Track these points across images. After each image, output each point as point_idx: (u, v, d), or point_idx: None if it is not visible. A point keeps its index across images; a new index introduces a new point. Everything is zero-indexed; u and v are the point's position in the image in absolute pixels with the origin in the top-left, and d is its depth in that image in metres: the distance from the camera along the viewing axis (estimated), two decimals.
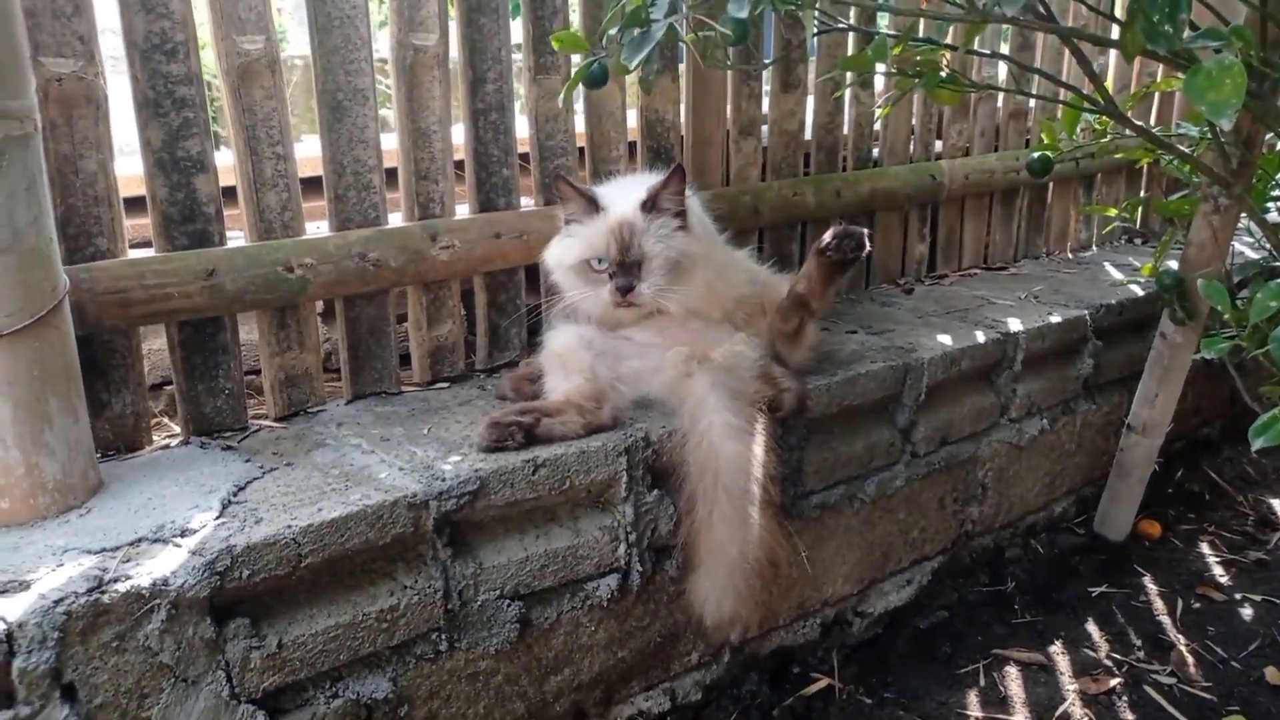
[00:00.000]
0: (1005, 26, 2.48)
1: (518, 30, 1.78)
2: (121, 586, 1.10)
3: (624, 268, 1.55)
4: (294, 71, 4.32)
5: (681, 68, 2.01)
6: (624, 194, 1.60)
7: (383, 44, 1.70)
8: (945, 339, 2.01)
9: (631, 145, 2.01)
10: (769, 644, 1.82)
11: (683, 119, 2.03)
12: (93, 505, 1.29)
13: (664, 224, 1.55)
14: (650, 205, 1.55)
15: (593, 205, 1.58)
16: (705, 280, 1.61)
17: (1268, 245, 1.98)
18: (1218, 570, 2.24)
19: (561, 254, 1.62)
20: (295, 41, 6.28)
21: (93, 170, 1.40)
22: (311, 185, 1.69)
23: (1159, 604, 2.10)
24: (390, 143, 1.69)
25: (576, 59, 1.59)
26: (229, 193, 1.55)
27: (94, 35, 1.37)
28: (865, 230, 1.62)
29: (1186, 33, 1.28)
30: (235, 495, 1.31)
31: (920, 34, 1.73)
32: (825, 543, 1.84)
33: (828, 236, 1.62)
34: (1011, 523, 2.26)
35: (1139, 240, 3.08)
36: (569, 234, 1.62)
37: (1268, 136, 1.90)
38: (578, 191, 1.59)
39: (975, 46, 1.82)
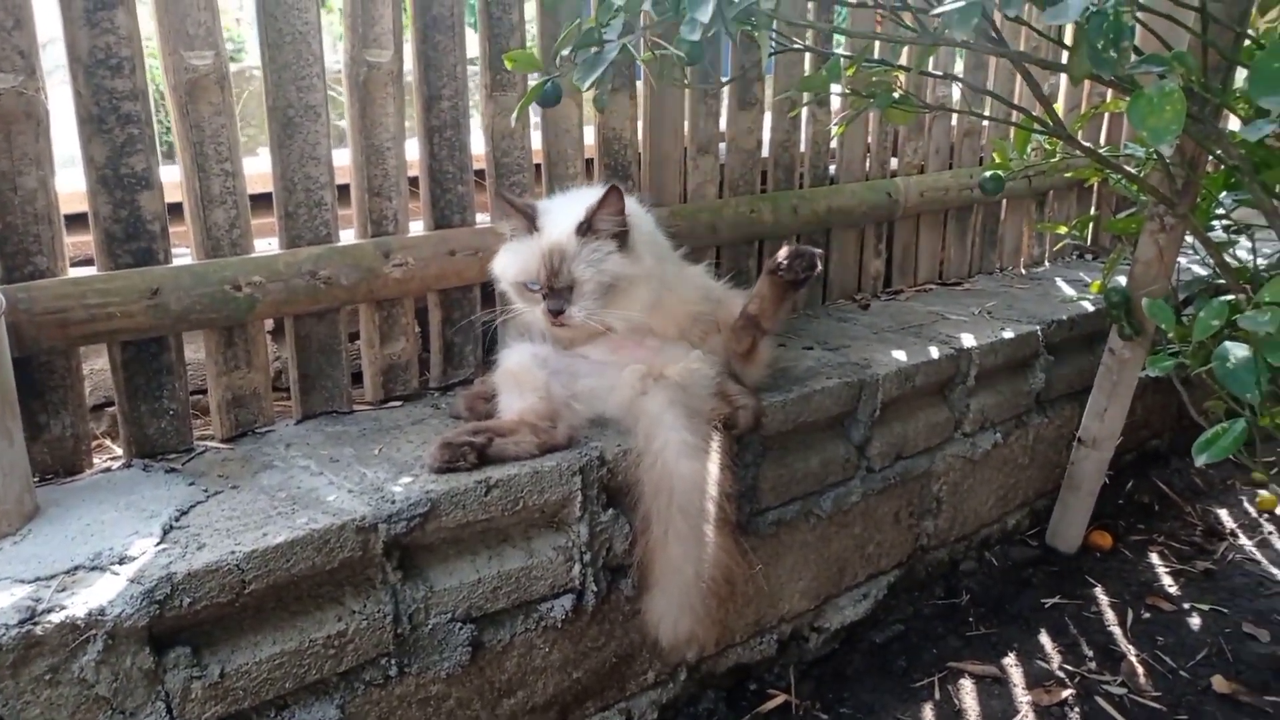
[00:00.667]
0: (959, 48, 2.52)
1: (474, 46, 1.77)
2: (55, 617, 1.07)
3: (555, 291, 1.54)
4: (252, 81, 4.26)
5: (639, 85, 2.01)
6: (566, 211, 1.58)
7: (337, 59, 1.68)
8: (900, 355, 2.03)
9: (589, 162, 2.00)
10: (726, 661, 1.81)
11: (640, 136, 2.03)
12: (28, 532, 1.25)
13: (598, 247, 1.53)
14: (585, 229, 1.53)
15: (530, 223, 1.57)
16: (647, 300, 1.59)
17: (1212, 262, 2.03)
18: (1167, 580, 2.28)
19: (503, 269, 1.62)
20: (253, 53, 6.20)
21: (32, 187, 1.37)
22: (262, 201, 1.66)
23: (1110, 615, 2.14)
24: (343, 159, 1.67)
25: (533, 77, 1.58)
26: (175, 209, 1.52)
27: (35, 50, 1.34)
28: (818, 250, 1.63)
29: (1132, 58, 1.30)
30: (177, 520, 1.28)
31: (875, 55, 1.75)
32: (782, 559, 1.85)
33: (780, 256, 1.62)
34: (966, 536, 2.29)
35: (1090, 256, 3.14)
36: (510, 249, 1.61)
37: (1211, 157, 1.95)
38: (515, 208, 1.58)
39: (929, 68, 1.85)
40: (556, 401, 1.56)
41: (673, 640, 1.47)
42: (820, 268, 1.64)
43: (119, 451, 1.56)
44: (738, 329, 1.66)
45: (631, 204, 1.66)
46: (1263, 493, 2.65)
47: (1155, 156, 1.90)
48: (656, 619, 1.47)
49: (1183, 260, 2.46)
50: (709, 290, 1.76)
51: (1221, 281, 2.12)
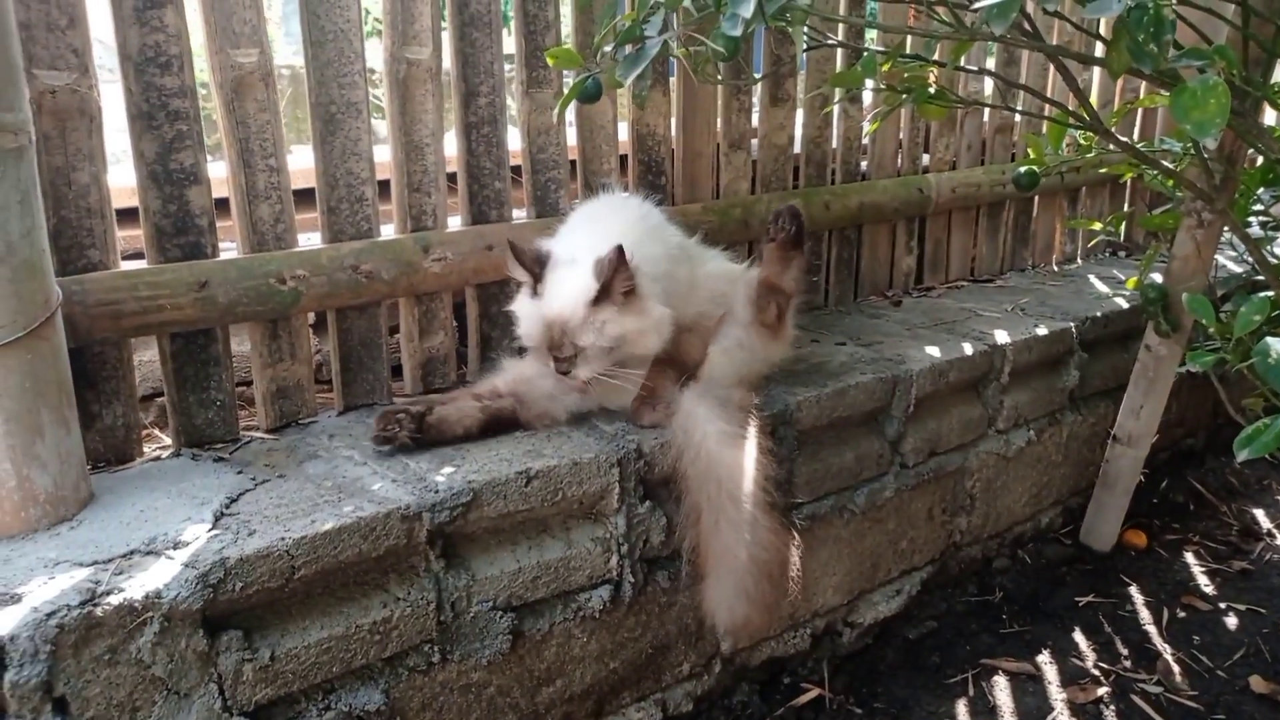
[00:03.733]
0: (991, 43, 2.52)
1: (510, 43, 1.80)
2: (114, 599, 1.10)
3: (559, 358, 1.53)
4: (280, 79, 4.31)
5: (673, 81, 2.02)
6: (570, 270, 1.51)
7: (376, 56, 1.70)
8: (933, 351, 2.03)
9: (623, 158, 2.02)
10: (760, 655, 1.82)
11: (673, 132, 2.05)
12: (84, 517, 1.28)
13: (604, 315, 1.49)
14: (600, 298, 1.48)
15: (535, 282, 1.53)
16: (656, 345, 1.56)
17: (1250, 259, 2.01)
18: (1203, 580, 2.26)
19: (518, 323, 1.59)
20: (282, 50, 6.26)
21: (85, 182, 1.40)
22: (303, 196, 1.69)
23: (1145, 614, 2.12)
24: (383, 155, 1.69)
25: (569, 74, 1.60)
26: (221, 204, 1.55)
27: (88, 48, 1.37)
28: (795, 204, 1.70)
29: (1171, 52, 1.30)
30: (228, 507, 1.31)
31: (908, 50, 1.75)
32: (815, 554, 1.85)
33: (768, 223, 1.71)
34: (999, 533, 2.28)
35: (1123, 253, 3.12)
36: (521, 306, 1.57)
37: (1249, 151, 1.94)
38: (523, 265, 1.53)
39: (963, 63, 1.85)
40: (523, 387, 1.59)
41: (729, 626, 1.49)
42: (804, 216, 1.69)
43: (167, 441, 1.60)
44: (760, 300, 1.67)
45: (635, 209, 1.66)
46: None
47: (1192, 151, 1.89)
48: (713, 606, 1.48)
49: (1218, 257, 2.44)
50: (714, 292, 1.73)
51: (1260, 278, 2.11)
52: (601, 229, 1.58)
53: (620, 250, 1.45)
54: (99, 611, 1.09)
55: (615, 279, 1.47)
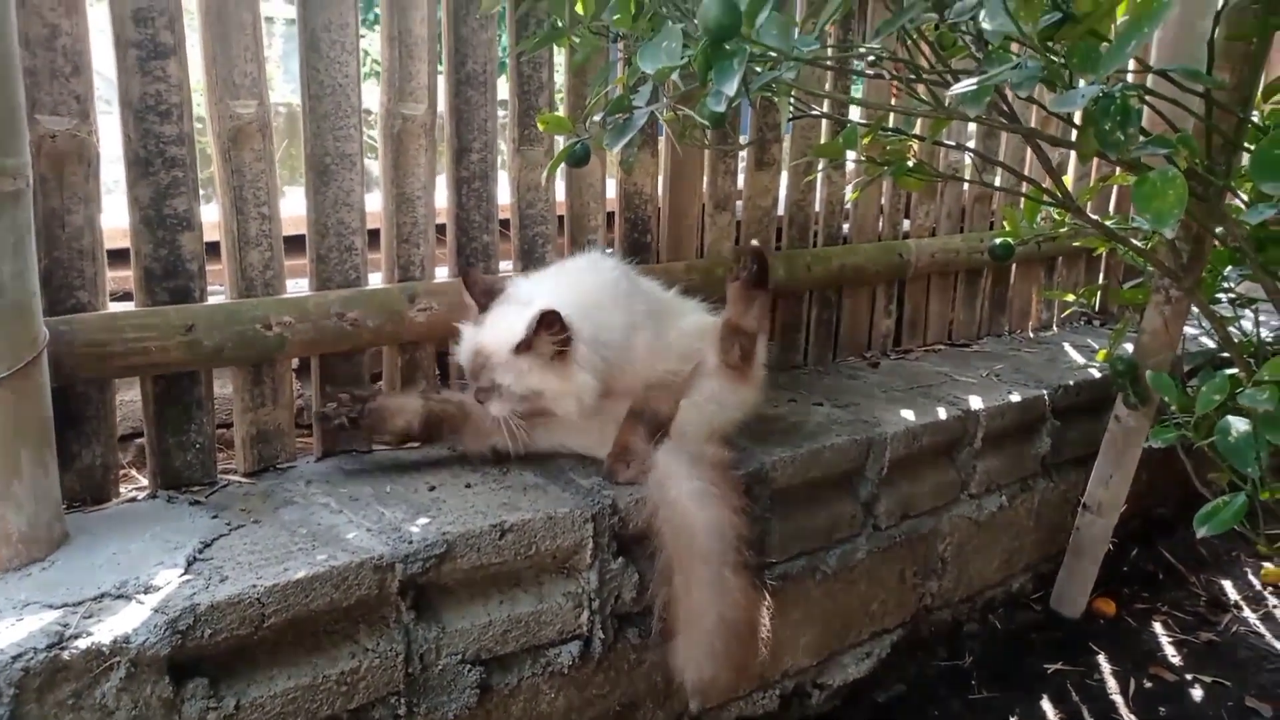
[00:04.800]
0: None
1: (504, 89, 1.84)
2: (82, 643, 1.10)
3: (480, 387, 1.56)
4: (277, 118, 4.35)
5: (661, 142, 2.08)
6: (512, 310, 1.55)
7: (372, 97, 1.75)
8: (908, 414, 2.06)
9: (610, 215, 2.06)
10: (728, 715, 1.82)
11: (660, 192, 2.09)
12: (57, 559, 1.28)
13: (528, 363, 1.51)
14: (523, 348, 1.51)
15: (478, 311, 1.59)
16: (575, 411, 1.56)
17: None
18: (1170, 650, 2.28)
19: (460, 338, 1.62)
20: (280, 89, 6.34)
21: (79, 225, 1.43)
22: (292, 243, 1.71)
23: (1112, 683, 2.14)
24: (373, 205, 1.73)
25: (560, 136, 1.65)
26: (211, 248, 1.57)
27: (90, 94, 1.41)
28: (754, 243, 1.76)
29: (1139, 139, 1.35)
30: (201, 552, 1.31)
31: (889, 123, 1.81)
32: (787, 614, 1.86)
33: (732, 263, 1.74)
34: (970, 597, 2.29)
35: (1098, 322, 3.18)
36: (464, 328, 1.61)
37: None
38: (471, 294, 1.61)
39: (942, 137, 1.91)
40: (470, 408, 1.62)
41: (697, 685, 1.49)
42: (769, 257, 1.71)
43: (144, 481, 1.60)
44: (723, 342, 1.69)
45: (608, 271, 1.67)
46: (1267, 565, 2.66)
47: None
48: (682, 665, 1.48)
49: (1191, 330, 2.50)
50: (687, 352, 1.73)
51: (1226, 355, 2.16)
52: (568, 282, 1.63)
53: (552, 314, 1.47)
54: (66, 655, 1.09)
55: (537, 338, 1.49)
